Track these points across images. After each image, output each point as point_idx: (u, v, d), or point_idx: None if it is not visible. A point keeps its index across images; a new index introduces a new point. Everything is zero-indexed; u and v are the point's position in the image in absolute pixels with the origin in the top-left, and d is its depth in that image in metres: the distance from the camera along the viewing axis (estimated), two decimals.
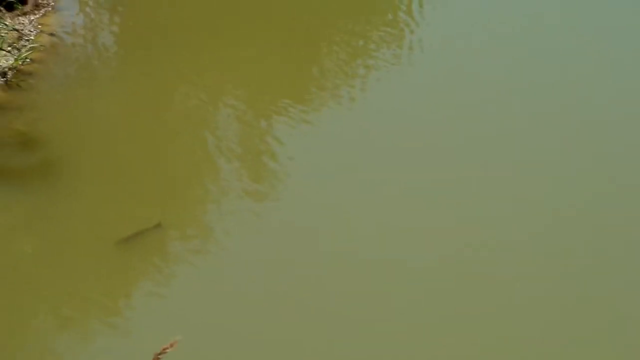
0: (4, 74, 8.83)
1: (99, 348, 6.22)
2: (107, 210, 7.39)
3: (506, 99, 9.06)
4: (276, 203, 7.65)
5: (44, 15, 9.84)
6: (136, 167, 7.96)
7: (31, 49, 9.20)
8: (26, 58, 9.04)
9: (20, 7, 9.74)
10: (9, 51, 9.08)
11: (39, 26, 9.65)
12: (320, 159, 8.14)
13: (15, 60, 8.97)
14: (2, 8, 9.59)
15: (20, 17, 9.64)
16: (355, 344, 6.31)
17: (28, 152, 7.96)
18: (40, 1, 9.95)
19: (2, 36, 9.16)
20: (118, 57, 9.73)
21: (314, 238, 7.15)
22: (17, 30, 9.45)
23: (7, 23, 9.37)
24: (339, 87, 9.35)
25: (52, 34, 9.60)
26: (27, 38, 9.39)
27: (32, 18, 9.69)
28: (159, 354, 2.38)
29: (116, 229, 7.05)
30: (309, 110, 8.93)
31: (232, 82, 9.39)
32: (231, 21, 10.14)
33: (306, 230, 7.23)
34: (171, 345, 2.41)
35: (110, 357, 6.11)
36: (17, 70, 8.92)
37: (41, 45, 9.33)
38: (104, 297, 6.67)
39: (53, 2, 10.06)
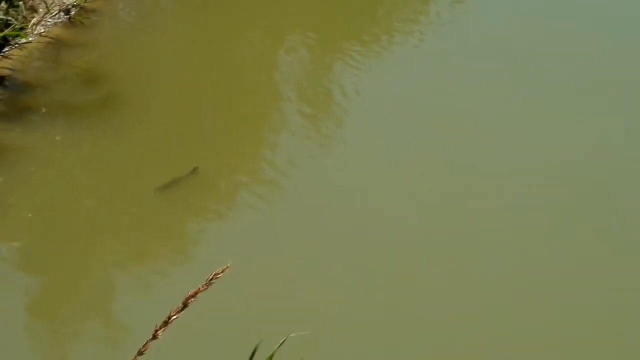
0: (68, 11, 8.85)
1: (150, 286, 6.25)
2: (165, 150, 7.40)
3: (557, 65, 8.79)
4: (328, 153, 7.54)
5: None
6: (197, 108, 7.97)
7: None
8: None
9: None
10: None
11: None
12: (377, 108, 7.99)
13: None
14: None
15: None
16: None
17: (90, 89, 8.00)
18: None
19: None
20: None
21: (362, 195, 6.97)
22: None
23: None
24: (399, 31, 9.21)
25: None
26: None
27: None
28: (211, 278, 2.34)
29: (175, 169, 7.03)
30: (369, 54, 8.80)
31: (296, 24, 9.33)
32: None
33: (355, 185, 7.06)
34: (223, 271, 2.37)
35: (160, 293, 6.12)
36: (80, 8, 8.94)
37: None
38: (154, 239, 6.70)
39: None
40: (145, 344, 2.57)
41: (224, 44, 8.84)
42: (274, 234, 6.57)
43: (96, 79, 8.11)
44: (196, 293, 2.30)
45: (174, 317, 2.39)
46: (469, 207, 6.93)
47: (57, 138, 7.49)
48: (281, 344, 3.29)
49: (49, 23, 8.71)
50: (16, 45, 8.34)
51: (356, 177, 7.16)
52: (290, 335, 3.32)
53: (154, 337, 2.51)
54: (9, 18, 8.36)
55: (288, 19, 9.49)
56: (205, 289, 2.27)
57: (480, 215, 6.86)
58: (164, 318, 2.45)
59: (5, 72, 8.09)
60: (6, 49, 8.30)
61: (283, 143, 7.64)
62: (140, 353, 2.58)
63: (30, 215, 6.86)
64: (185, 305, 2.34)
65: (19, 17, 8.50)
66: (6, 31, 8.25)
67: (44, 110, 7.73)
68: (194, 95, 8.11)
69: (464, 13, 9.57)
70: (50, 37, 8.56)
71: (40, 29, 8.62)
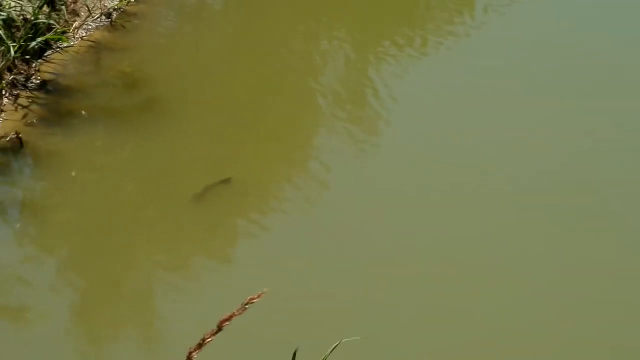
0: (109, 15, 8.85)
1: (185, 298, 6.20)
2: (203, 157, 7.36)
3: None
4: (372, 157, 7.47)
5: None
6: (235, 113, 7.90)
7: None
8: None
9: None
10: None
11: None
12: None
13: (121, 0, 8.97)
14: None
15: None
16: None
17: (131, 93, 7.99)
18: None
19: None
20: None
21: (404, 203, 6.86)
22: None
23: None
24: (434, 34, 9.13)
25: None
26: None
27: None
28: (246, 303, 2.27)
29: (212, 178, 6.98)
30: (405, 58, 8.73)
31: (332, 29, 9.28)
32: None
33: (396, 194, 6.95)
34: (259, 296, 2.30)
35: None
36: (122, 11, 8.94)
37: None
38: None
39: None
40: None
41: (264, 50, 8.78)
42: (309, 247, 6.48)
43: (137, 83, 8.10)
44: (231, 317, 2.22)
45: (209, 339, 2.32)
46: (517, 213, 6.83)
47: (97, 143, 7.49)
48: (333, 348, 3.24)
49: (90, 26, 8.72)
50: (58, 49, 8.36)
51: (397, 185, 7.06)
52: (343, 340, 3.29)
53: (189, 359, 2.44)
54: (51, 22, 8.38)
55: (325, 23, 9.42)
56: (241, 313, 2.20)
57: (538, 223, 6.76)
58: (199, 340, 2.37)
59: (47, 76, 8.12)
60: (48, 52, 8.32)
61: (318, 157, 7.52)
62: None
63: (69, 219, 6.85)
64: (219, 328, 2.27)
65: (61, 20, 8.52)
66: (48, 35, 8.27)
67: (84, 114, 7.73)
68: (233, 100, 8.06)
69: (500, 15, 9.44)
70: (92, 41, 8.57)
71: (81, 32, 8.63)
